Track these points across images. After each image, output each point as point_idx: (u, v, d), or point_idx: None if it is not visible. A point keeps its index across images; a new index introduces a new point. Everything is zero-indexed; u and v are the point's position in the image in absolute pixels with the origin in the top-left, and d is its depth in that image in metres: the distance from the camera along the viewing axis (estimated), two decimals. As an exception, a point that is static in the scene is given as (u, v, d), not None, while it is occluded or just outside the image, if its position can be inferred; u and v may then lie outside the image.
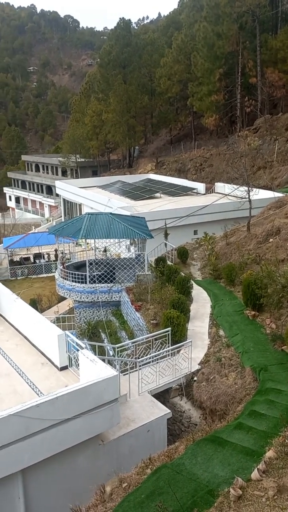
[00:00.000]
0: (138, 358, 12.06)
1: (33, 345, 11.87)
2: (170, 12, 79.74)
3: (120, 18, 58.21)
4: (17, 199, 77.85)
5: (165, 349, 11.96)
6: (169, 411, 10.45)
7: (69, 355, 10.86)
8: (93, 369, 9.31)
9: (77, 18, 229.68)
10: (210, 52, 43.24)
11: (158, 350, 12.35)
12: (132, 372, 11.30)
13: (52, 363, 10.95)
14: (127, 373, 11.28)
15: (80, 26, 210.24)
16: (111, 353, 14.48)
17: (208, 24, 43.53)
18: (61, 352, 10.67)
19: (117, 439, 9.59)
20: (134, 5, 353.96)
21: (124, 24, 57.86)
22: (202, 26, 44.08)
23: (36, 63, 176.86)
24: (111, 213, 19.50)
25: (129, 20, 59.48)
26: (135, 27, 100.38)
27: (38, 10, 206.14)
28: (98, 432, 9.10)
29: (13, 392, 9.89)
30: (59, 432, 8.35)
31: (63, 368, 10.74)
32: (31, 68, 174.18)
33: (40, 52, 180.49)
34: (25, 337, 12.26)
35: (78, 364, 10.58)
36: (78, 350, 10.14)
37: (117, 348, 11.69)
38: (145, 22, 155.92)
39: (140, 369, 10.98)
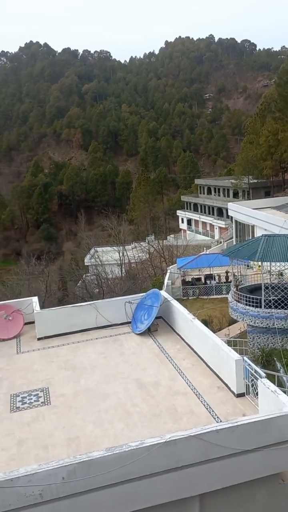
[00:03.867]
0: None
1: (208, 366, 11.78)
2: None
3: (301, 35, 56.47)
4: (189, 221, 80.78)
5: None
6: None
7: (246, 382, 10.44)
8: (273, 401, 8.73)
9: (254, 41, 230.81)
10: None
11: None
12: None
13: (229, 388, 10.66)
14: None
15: (257, 48, 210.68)
16: None
17: None
18: (239, 378, 10.31)
19: (299, 482, 8.75)
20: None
21: (305, 40, 55.85)
22: None
23: (212, 90, 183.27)
24: (290, 236, 18.55)
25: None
26: None
27: (216, 39, 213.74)
28: (279, 471, 8.44)
29: (190, 412, 9.91)
30: (239, 463, 7.99)
31: (240, 395, 10.35)
32: (207, 95, 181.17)
33: (216, 79, 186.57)
34: (201, 358, 12.25)
35: (256, 393, 10.09)
36: (257, 378, 9.67)
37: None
38: None
39: None
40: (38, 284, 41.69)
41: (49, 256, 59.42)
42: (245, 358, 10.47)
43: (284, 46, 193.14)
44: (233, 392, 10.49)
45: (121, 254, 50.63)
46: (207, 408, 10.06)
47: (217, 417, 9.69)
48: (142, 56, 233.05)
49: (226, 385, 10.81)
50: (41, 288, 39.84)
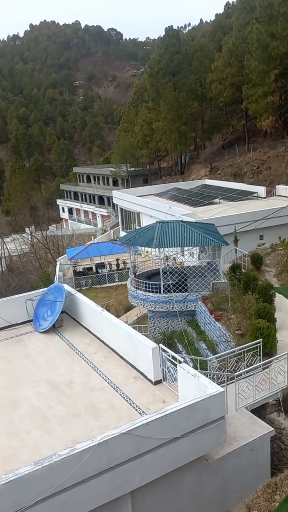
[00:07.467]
0: (229, 372, 11.56)
1: (121, 357, 11.61)
2: (216, 16, 79.02)
3: (168, 27, 58.45)
4: (70, 210, 79.41)
5: (261, 362, 11.34)
6: (272, 428, 9.86)
7: (163, 369, 10.51)
8: (195, 385, 8.89)
9: (120, 31, 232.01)
10: (264, 53, 42.09)
11: (250, 363, 11.77)
12: (229, 384, 10.78)
13: (145, 376, 10.62)
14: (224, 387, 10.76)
15: (123, 38, 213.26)
16: (191, 365, 14.01)
17: (261, 25, 42.54)
18: (155, 366, 10.32)
19: (221, 459, 9.11)
20: (176, 13, 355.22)
21: (172, 32, 57.96)
22: (255, 28, 43.10)
23: (82, 77, 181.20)
24: (182, 221, 19.14)
25: (178, 27, 59.56)
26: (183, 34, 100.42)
27: (83, 26, 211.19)
28: (205, 452, 8.66)
29: (111, 407, 9.64)
30: (168, 452, 7.99)
31: (157, 382, 10.38)
32: (77, 82, 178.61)
33: (85, 66, 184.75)
34: (113, 350, 12.03)
35: (174, 378, 10.23)
36: (175, 364, 9.79)
37: (210, 360, 11.22)
38: (188, 29, 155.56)
39: (236, 382, 10.45)
40: None
41: None
42: (161, 346, 10.53)
43: (148, 37, 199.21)
44: (150, 380, 10.47)
45: (-1, 247, 47.78)
46: (127, 400, 9.89)
47: (138, 408, 9.58)
48: (5, 38, 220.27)
49: (142, 374, 10.75)
50: None
